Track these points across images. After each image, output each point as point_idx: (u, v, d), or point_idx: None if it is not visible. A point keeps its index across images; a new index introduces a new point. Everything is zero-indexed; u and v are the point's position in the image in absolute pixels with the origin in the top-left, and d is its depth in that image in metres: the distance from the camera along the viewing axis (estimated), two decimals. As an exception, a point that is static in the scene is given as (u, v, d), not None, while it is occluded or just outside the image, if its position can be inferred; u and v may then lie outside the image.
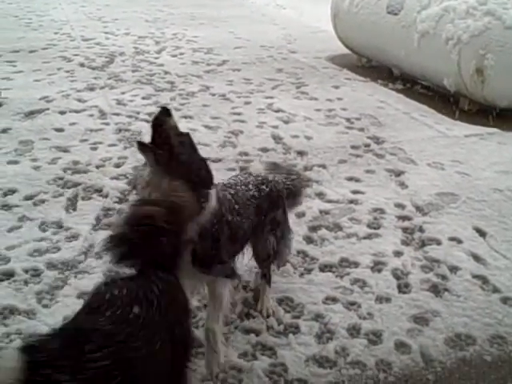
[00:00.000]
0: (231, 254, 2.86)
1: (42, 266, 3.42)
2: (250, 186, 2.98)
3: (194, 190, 2.44)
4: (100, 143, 5.20)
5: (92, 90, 6.73)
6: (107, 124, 5.67)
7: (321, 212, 4.16)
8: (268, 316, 3.10)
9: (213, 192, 2.65)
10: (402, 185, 4.64)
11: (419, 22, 6.50)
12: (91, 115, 5.89)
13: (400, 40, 6.90)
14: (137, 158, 4.85)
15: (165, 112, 2.56)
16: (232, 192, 2.88)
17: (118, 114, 5.93)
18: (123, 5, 12.72)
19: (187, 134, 2.62)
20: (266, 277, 3.19)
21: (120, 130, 5.52)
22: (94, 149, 5.09)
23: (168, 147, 2.47)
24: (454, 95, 6.46)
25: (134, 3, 13.05)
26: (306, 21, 11.95)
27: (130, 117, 5.88)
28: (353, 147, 5.33)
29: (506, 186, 4.67)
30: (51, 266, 3.44)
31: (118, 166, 4.78)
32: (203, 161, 2.65)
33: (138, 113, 5.99)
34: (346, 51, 8.67)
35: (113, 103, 6.26)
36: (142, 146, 2.51)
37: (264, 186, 3.03)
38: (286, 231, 3.21)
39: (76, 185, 4.42)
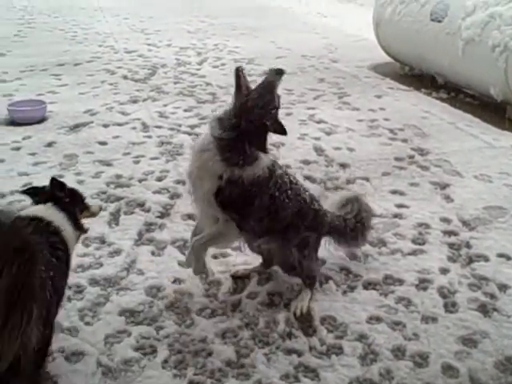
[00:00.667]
0: (252, 226, 3.08)
1: (84, 283, 3.44)
2: (307, 192, 3.25)
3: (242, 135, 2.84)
4: (142, 156, 5.24)
5: (135, 102, 6.79)
6: (149, 137, 5.70)
7: (364, 227, 4.08)
8: (295, 314, 3.14)
9: (266, 158, 2.95)
10: (448, 198, 4.52)
11: (464, 29, 6.36)
12: (134, 128, 5.94)
13: (444, 48, 6.76)
14: (178, 172, 4.89)
15: (280, 72, 2.92)
16: (291, 179, 3.16)
17: (160, 127, 5.97)
18: (166, 16, 12.85)
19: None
20: (305, 283, 3.28)
21: (162, 143, 5.55)
22: (137, 162, 5.13)
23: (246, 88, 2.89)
24: (500, 104, 6.29)
25: (176, 14, 13.18)
26: (347, 29, 11.86)
27: (171, 129, 5.90)
28: (396, 159, 5.23)
29: (557, 199, 4.52)
30: (94, 282, 3.46)
31: (159, 179, 4.80)
32: (266, 125, 2.93)
33: (180, 125, 6.01)
34: (389, 60, 8.56)
35: (155, 116, 6.31)
36: (239, 73, 2.87)
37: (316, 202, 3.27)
38: (314, 256, 3.31)
39: (119, 199, 4.45)
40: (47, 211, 2.64)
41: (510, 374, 2.80)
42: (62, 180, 2.88)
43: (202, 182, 2.96)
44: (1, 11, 13.57)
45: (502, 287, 3.44)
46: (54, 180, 2.77)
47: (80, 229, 2.82)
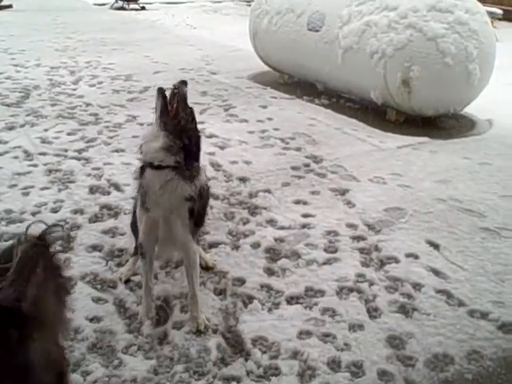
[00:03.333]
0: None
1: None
2: None
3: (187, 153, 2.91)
4: (31, 187, 4.89)
5: (11, 129, 6.35)
6: (35, 165, 5.35)
7: (276, 240, 4.08)
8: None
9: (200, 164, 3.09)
10: (349, 203, 4.65)
11: (342, 38, 6.60)
12: (16, 157, 5.54)
13: (323, 56, 6.98)
14: (74, 201, 4.63)
15: (183, 82, 3.01)
16: None
17: (44, 154, 5.61)
18: (28, 34, 12.26)
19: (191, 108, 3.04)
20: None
21: (50, 171, 5.22)
22: (26, 194, 4.78)
23: (177, 109, 2.90)
24: (381, 107, 6.59)
25: (39, 32, 12.62)
26: (219, 40, 11.95)
27: (58, 155, 5.58)
28: (293, 168, 5.31)
29: (447, 195, 4.78)
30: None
31: (55, 211, 4.50)
32: (199, 136, 3.02)
33: (66, 150, 5.71)
34: (267, 69, 8.71)
35: (37, 142, 5.94)
36: (161, 92, 2.90)
37: None
38: None
39: (13, 237, 4.12)
40: None
41: (441, 371, 2.90)
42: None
43: (176, 211, 2.99)
44: None
45: (416, 286, 3.57)
46: None
47: None
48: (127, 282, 3.60)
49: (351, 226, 4.30)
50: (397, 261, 3.84)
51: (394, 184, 4.99)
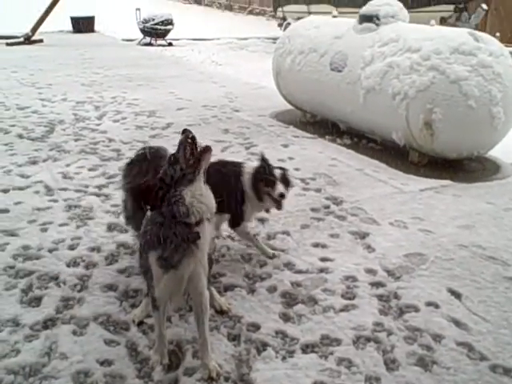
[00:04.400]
0: None
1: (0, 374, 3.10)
2: None
3: None
4: (50, 223, 4.91)
5: (34, 163, 6.43)
6: (55, 201, 5.38)
7: (292, 284, 4.01)
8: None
9: None
10: (369, 248, 4.56)
11: (364, 79, 6.59)
12: (37, 192, 5.59)
13: (345, 96, 6.97)
14: (92, 238, 4.63)
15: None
16: None
17: (65, 189, 5.65)
18: (56, 69, 12.51)
19: None
20: None
21: (70, 207, 5.24)
22: (44, 230, 4.79)
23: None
24: (403, 148, 6.53)
25: (67, 67, 12.87)
26: (243, 77, 12.05)
27: (78, 191, 5.61)
28: (313, 210, 5.25)
29: (469, 241, 4.67)
30: (11, 372, 3.12)
31: (72, 248, 4.50)
32: None
33: (87, 186, 5.73)
34: (290, 107, 8.73)
35: (58, 177, 5.98)
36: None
37: None
38: None
39: (29, 273, 4.11)
40: None
41: (460, 431, 2.78)
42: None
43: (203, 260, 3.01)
44: None
45: (436, 337, 3.46)
46: None
47: None
48: (140, 324, 3.55)
49: (370, 271, 4.21)
50: (416, 309, 3.73)
51: (416, 228, 4.90)
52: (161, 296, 3.04)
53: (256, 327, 3.53)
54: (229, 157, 6.59)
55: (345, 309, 3.74)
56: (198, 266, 2.94)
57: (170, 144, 7.06)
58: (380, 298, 3.87)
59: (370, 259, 4.39)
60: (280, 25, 19.71)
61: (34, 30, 17.20)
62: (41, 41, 17.23)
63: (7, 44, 16.56)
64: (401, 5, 7.13)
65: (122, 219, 4.94)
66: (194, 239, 2.83)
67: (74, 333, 3.47)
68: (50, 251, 4.44)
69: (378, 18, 6.93)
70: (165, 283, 2.94)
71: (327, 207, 5.32)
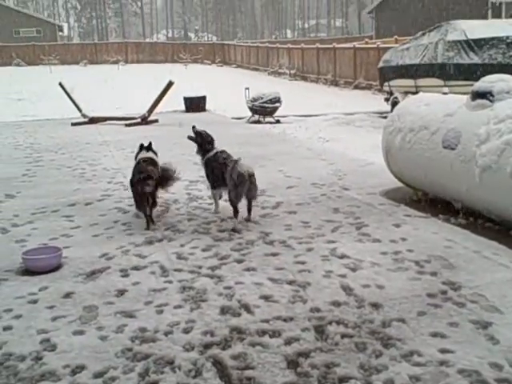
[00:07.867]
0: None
1: None
2: None
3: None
4: (165, 305, 5.02)
5: (150, 243, 6.66)
6: (170, 282, 5.51)
7: (411, 378, 3.82)
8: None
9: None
10: (493, 339, 4.28)
11: (479, 157, 6.39)
12: (153, 272, 5.76)
13: (459, 175, 6.78)
14: (205, 322, 4.67)
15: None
16: None
17: (179, 270, 5.79)
18: (171, 148, 13.08)
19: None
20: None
21: (184, 289, 5.35)
22: (160, 312, 4.90)
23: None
24: (523, 229, 6.21)
25: (180, 146, 13.36)
26: (351, 154, 12.07)
27: (192, 272, 5.73)
28: (429, 295, 5.04)
29: None
30: None
31: (186, 331, 4.56)
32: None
33: (200, 267, 5.84)
34: (400, 185, 8.60)
35: (173, 257, 6.15)
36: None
37: None
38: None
39: (146, 357, 4.19)
40: None
41: None
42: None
43: None
44: (8, 150, 13.87)
45: None
46: None
47: None
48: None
49: (495, 366, 3.93)
50: (550, 412, 3.44)
51: (543, 318, 4.57)
52: None
53: None
54: (340, 238, 6.55)
55: (470, 409, 3.50)
56: None
57: (281, 224, 7.17)
58: (508, 397, 3.60)
59: (494, 352, 4.11)
60: (387, 99, 19.73)
61: (150, 111, 18.25)
62: (156, 121, 18.23)
63: (126, 125, 17.65)
64: (515, 80, 6.95)
65: (234, 302, 5.02)
66: None
67: (189, 423, 3.46)
68: (166, 334, 4.52)
69: (492, 95, 6.77)
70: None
71: (444, 292, 5.09)
